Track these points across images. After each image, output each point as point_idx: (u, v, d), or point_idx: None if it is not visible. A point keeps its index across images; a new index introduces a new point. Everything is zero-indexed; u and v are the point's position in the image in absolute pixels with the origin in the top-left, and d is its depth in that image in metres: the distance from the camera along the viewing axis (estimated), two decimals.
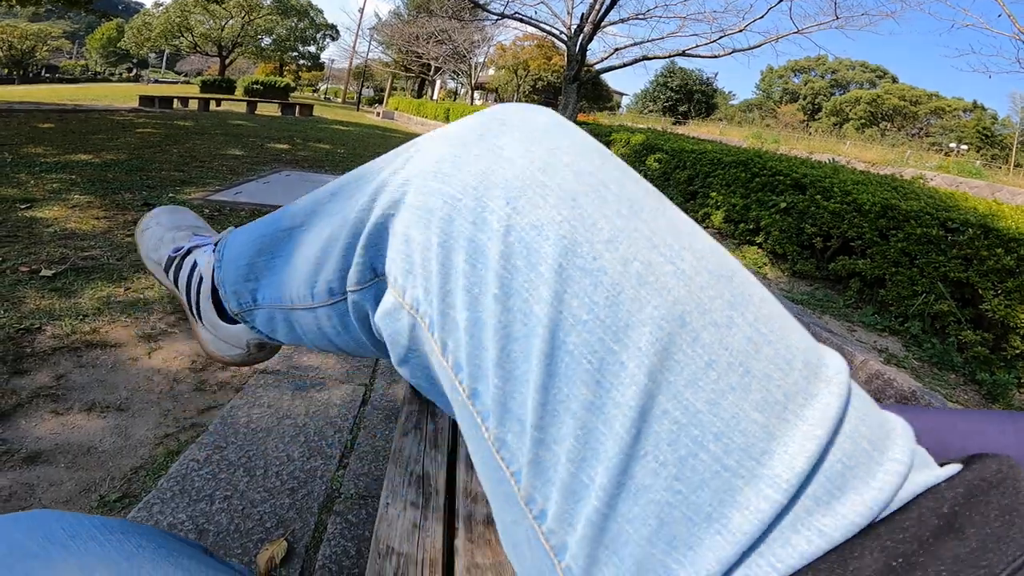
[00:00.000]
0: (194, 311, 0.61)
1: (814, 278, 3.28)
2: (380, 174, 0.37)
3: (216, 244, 0.58)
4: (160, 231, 0.67)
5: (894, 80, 44.34)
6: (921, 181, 4.00)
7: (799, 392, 0.27)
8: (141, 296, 2.39)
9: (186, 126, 8.34)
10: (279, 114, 14.57)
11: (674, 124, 27.17)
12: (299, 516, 1.37)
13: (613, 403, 0.27)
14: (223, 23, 28.63)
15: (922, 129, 39.72)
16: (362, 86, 35.29)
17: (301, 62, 42.76)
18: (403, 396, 1.03)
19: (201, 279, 0.59)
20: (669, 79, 40.83)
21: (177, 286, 0.64)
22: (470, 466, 0.87)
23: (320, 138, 9.49)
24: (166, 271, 0.65)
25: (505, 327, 0.29)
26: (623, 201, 0.29)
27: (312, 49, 40.66)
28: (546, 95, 28.20)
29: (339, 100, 39.05)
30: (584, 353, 0.28)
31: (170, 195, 3.90)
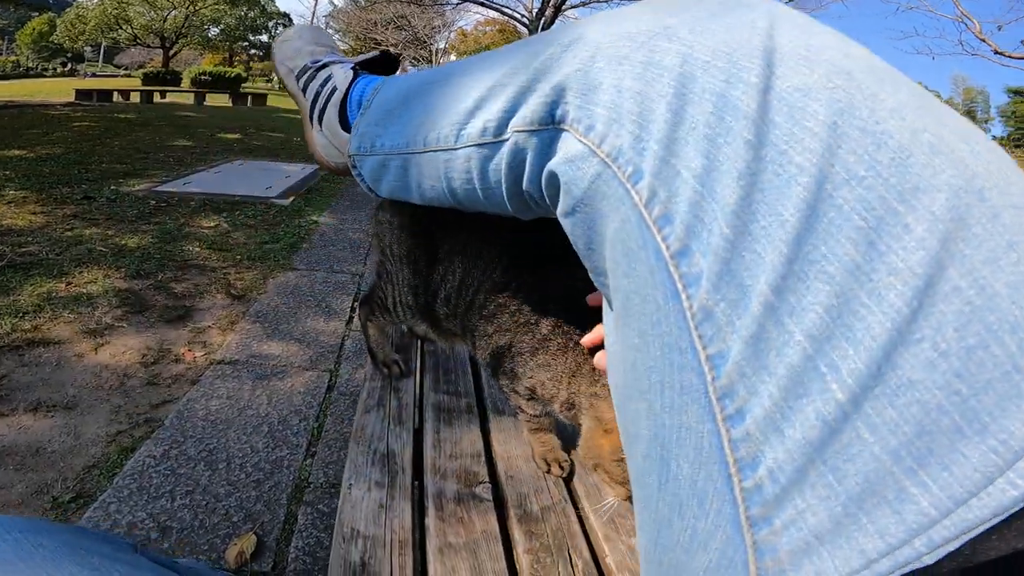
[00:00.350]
0: (316, 116, 0.70)
1: None
2: (575, 31, 0.35)
3: (355, 69, 0.69)
4: (301, 44, 0.78)
5: None
6: None
7: None
8: (84, 291, 2.26)
9: (128, 119, 7.94)
10: (230, 104, 14.04)
11: None
12: (267, 508, 1.33)
13: (888, 269, 0.23)
14: (165, 14, 27.10)
15: None
16: None
17: (252, 52, 41.21)
18: (365, 374, 1.00)
19: (335, 90, 0.68)
20: None
21: (304, 93, 0.73)
22: (438, 443, 0.85)
23: (275, 127, 9.24)
24: (298, 79, 0.75)
25: (753, 174, 0.26)
26: (903, 84, 0.27)
27: (264, 38, 39.22)
28: None
29: None
30: (857, 209, 0.24)
31: (112, 187, 3.70)
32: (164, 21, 27.52)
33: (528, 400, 0.77)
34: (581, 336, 0.68)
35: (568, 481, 0.82)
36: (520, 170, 0.39)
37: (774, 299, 0.25)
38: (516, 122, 0.37)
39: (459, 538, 0.70)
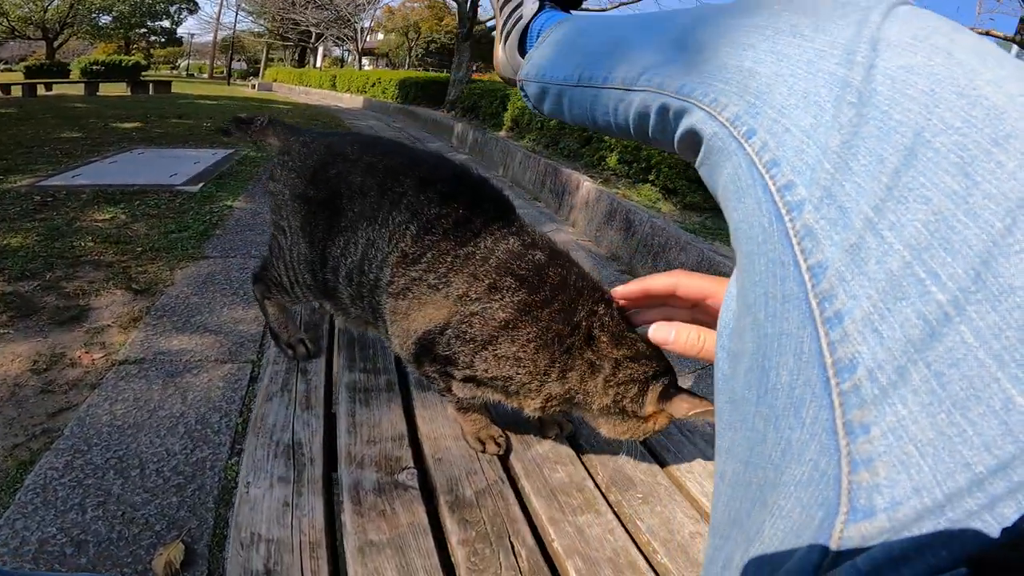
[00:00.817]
0: (503, 35, 0.78)
1: (703, 209, 3.48)
2: (725, 28, 0.42)
3: (541, 2, 0.76)
4: None
5: None
6: None
7: None
8: None
9: (7, 113, 7.05)
10: (129, 93, 12.87)
11: None
12: (193, 514, 1.19)
13: (983, 193, 0.25)
14: (46, 4, 24.22)
15: None
16: (231, 59, 31.95)
17: (153, 38, 37.76)
18: (267, 357, 0.89)
19: (520, 17, 0.77)
20: None
21: (500, 11, 0.81)
22: (353, 427, 0.76)
23: (181, 114, 8.48)
24: (500, 8, 0.82)
25: (855, 126, 0.30)
26: (1007, 62, 0.29)
27: (166, 24, 36.01)
28: (439, 57, 27.26)
29: (205, 76, 35.30)
30: (953, 150, 0.27)
31: None
32: (45, 12, 24.62)
33: (463, 382, 0.69)
34: (522, 304, 0.64)
35: (505, 459, 0.76)
36: (664, 124, 0.46)
37: (873, 216, 0.27)
38: (663, 86, 0.44)
39: (382, 534, 0.63)
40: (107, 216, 2.94)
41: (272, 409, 0.78)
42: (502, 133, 6.52)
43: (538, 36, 0.73)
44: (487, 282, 0.65)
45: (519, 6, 0.78)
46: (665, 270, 2.74)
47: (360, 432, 0.77)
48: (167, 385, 1.65)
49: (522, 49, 0.75)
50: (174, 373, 1.71)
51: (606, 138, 4.37)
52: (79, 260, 2.38)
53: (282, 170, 0.76)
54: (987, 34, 5.81)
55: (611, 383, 0.62)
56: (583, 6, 0.85)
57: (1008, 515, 0.20)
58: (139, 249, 2.55)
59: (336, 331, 0.98)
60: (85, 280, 2.22)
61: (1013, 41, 5.59)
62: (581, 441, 0.80)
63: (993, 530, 0.20)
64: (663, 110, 0.44)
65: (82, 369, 1.70)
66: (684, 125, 0.42)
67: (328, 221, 0.73)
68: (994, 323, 0.22)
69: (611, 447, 0.79)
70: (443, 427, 0.79)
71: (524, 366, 0.64)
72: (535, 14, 0.78)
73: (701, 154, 0.41)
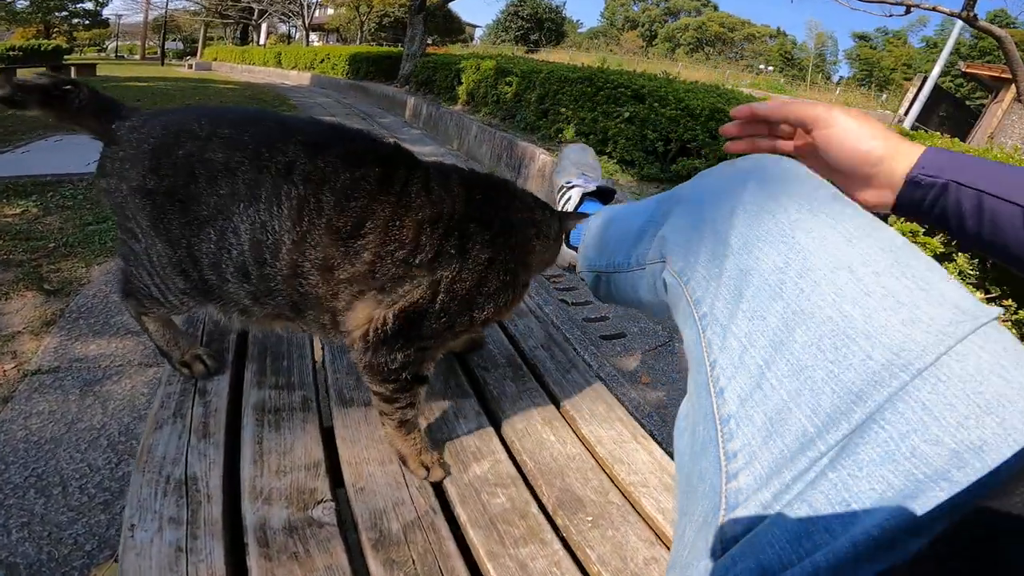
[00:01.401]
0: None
1: (660, 180, 3.43)
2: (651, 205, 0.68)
3: (584, 195, 0.96)
4: (567, 163, 1.05)
5: (715, 8, 48.82)
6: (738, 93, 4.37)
7: None
8: None
9: None
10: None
11: (527, 52, 26.93)
12: None
13: (755, 335, 0.46)
14: None
15: (738, 53, 44.60)
16: (164, 39, 29.88)
17: (75, 21, 34.92)
18: (161, 376, 0.76)
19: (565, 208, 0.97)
20: (520, 8, 40.35)
21: (557, 204, 0.97)
22: (260, 456, 0.65)
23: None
24: (558, 193, 1.02)
25: (745, 274, 0.48)
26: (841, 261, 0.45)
27: (89, 6, 33.28)
28: (394, 31, 26.17)
29: (137, 57, 33.06)
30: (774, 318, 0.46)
31: None
32: None
33: (414, 382, 0.65)
34: (494, 235, 0.64)
35: (437, 484, 0.66)
36: (653, 283, 0.62)
37: (732, 326, 0.48)
38: (649, 257, 0.63)
39: None
40: (16, 211, 2.65)
41: (162, 439, 0.65)
42: (457, 107, 6.29)
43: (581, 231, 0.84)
44: (459, 233, 0.62)
45: (567, 201, 0.97)
46: None
47: (268, 461, 0.65)
48: (85, 394, 1.50)
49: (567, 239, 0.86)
50: (92, 381, 1.55)
51: (562, 110, 4.24)
52: None
53: (112, 162, 0.63)
54: (934, 10, 5.86)
55: (545, 252, 0.72)
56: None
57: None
58: (52, 245, 2.31)
59: (246, 341, 0.85)
60: None
61: (959, 17, 5.64)
62: (524, 456, 0.71)
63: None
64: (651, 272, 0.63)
65: None
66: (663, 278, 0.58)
67: (185, 212, 0.62)
68: (782, 376, 0.44)
69: (558, 462, 0.70)
70: (367, 450, 0.69)
71: (504, 290, 0.64)
72: (577, 206, 0.95)
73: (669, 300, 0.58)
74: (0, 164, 3.42)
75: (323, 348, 0.85)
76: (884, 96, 23.96)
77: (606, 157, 3.83)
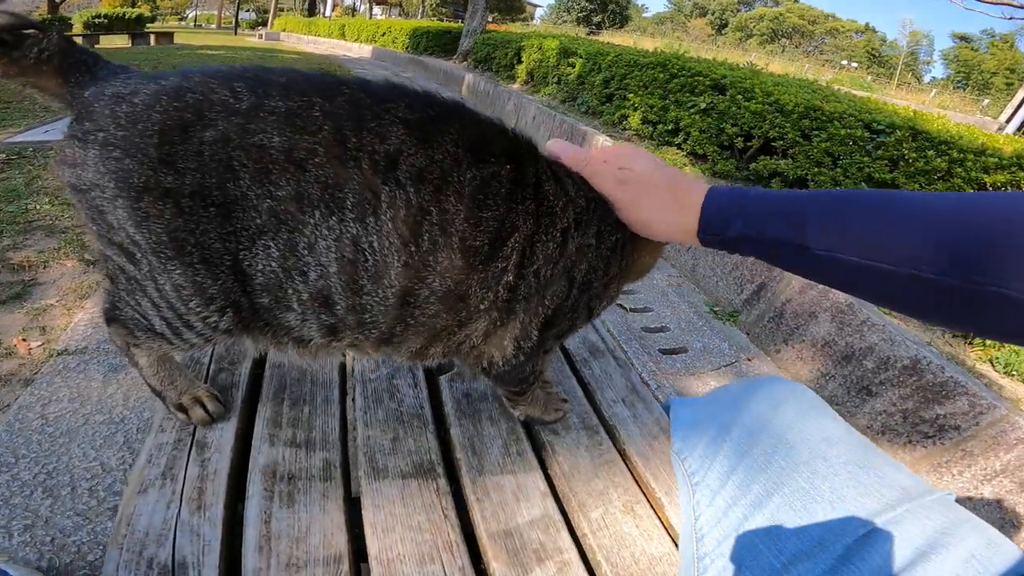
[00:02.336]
0: None
1: (734, 178, 3.13)
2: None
3: None
4: None
5: (795, 0, 46.09)
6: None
7: None
8: None
9: None
10: (129, 45, 12.35)
11: (588, 34, 26.14)
12: None
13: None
14: None
15: (817, 47, 42.03)
16: (238, 9, 30.67)
17: None
18: (153, 418, 0.61)
19: None
20: None
21: None
22: (267, 539, 0.49)
23: (177, 64, 7.97)
24: None
25: (740, 456, 0.60)
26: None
27: None
28: (455, 6, 25.92)
29: (213, 26, 34.19)
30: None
31: None
32: None
33: (539, 375, 0.64)
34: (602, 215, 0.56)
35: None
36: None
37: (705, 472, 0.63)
38: None
39: None
40: None
41: (146, 507, 0.50)
42: (516, 86, 6.05)
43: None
44: (587, 223, 0.53)
45: None
46: (689, 247, 2.37)
47: (277, 549, 0.49)
48: (108, 382, 1.41)
49: None
50: (118, 368, 1.46)
51: (629, 95, 3.94)
52: (31, 226, 2.11)
53: (84, 146, 0.45)
54: None
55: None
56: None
57: None
58: None
59: (266, 374, 0.69)
60: (35, 250, 1.95)
61: None
62: (600, 556, 0.53)
63: None
64: None
65: (17, 360, 1.46)
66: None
67: (225, 221, 0.45)
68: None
69: (641, 565, 0.53)
70: (402, 543, 0.52)
71: (619, 275, 0.59)
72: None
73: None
74: (64, 126, 3.46)
75: (354, 391, 0.69)
76: (986, 101, 21.88)
77: (675, 149, 3.54)
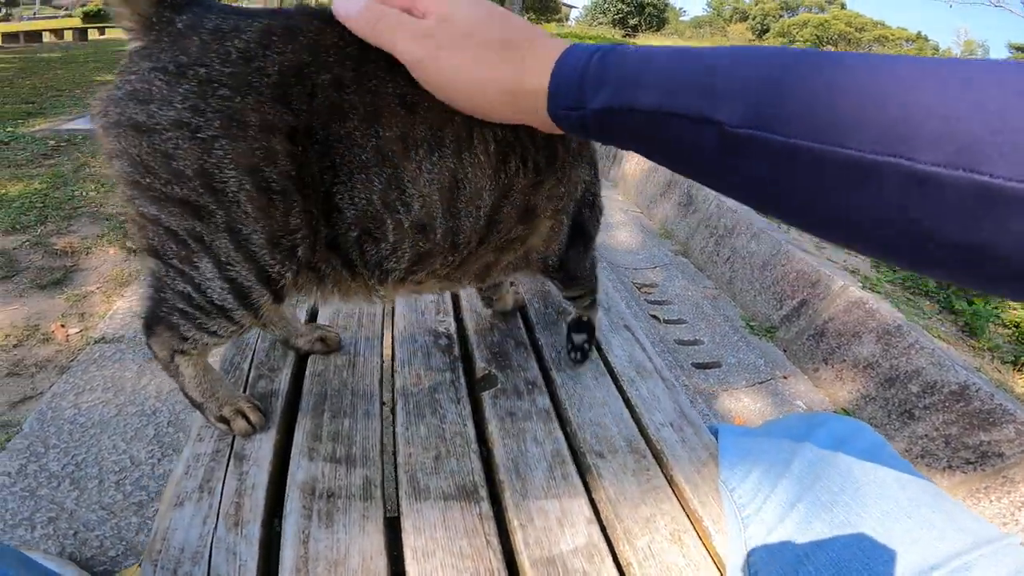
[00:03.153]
0: None
1: None
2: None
3: None
4: None
5: (843, 6, 44.90)
6: None
7: None
8: None
9: (51, 57, 6.94)
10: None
11: (624, 37, 25.88)
12: None
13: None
14: None
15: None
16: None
17: None
18: (193, 428, 0.59)
19: None
20: None
21: None
22: (305, 561, 0.47)
23: None
24: None
25: (802, 490, 0.56)
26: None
27: None
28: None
29: None
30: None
31: (7, 129, 3.08)
32: None
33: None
34: None
35: None
36: None
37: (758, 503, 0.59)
38: None
39: None
40: None
41: (182, 521, 0.49)
42: None
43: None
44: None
45: None
46: (728, 257, 2.30)
47: (314, 571, 0.47)
48: (142, 372, 1.43)
49: None
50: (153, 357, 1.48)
51: None
52: (77, 212, 2.16)
53: (186, 83, 0.42)
54: None
55: None
56: None
57: None
58: None
59: (305, 386, 0.67)
60: (78, 236, 2.00)
61: None
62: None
63: None
64: None
65: (55, 347, 1.49)
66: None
67: (326, 155, 0.46)
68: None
69: None
70: (443, 567, 0.49)
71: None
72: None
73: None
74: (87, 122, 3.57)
75: (394, 404, 0.66)
76: None
77: None
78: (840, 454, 0.57)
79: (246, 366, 0.68)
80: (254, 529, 0.49)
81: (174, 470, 0.54)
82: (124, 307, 1.67)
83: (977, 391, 1.50)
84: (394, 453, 0.60)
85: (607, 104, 0.35)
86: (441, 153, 0.48)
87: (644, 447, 0.66)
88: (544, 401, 0.68)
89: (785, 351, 2.07)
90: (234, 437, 0.57)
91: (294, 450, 0.57)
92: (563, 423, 0.67)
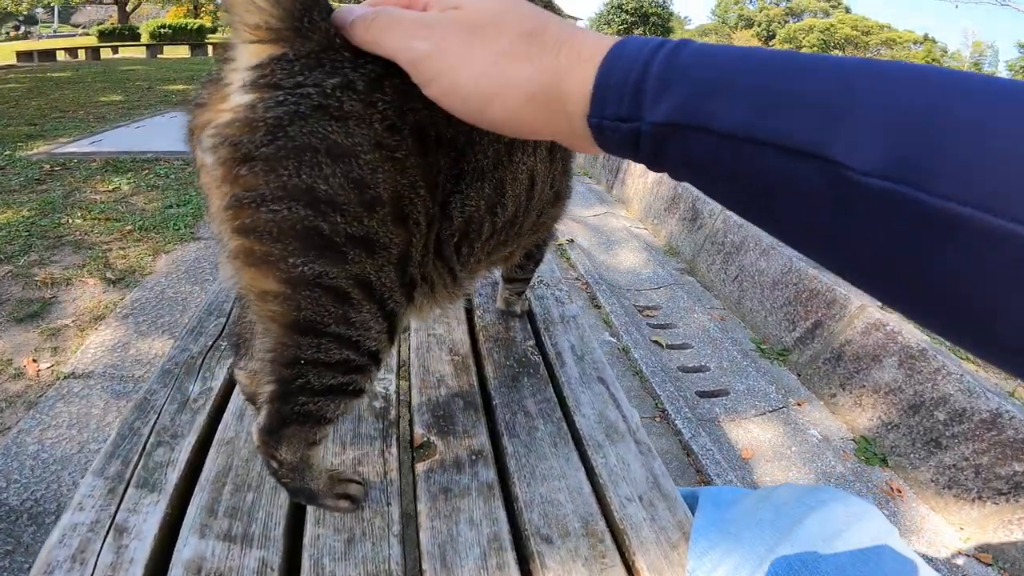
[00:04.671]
0: None
1: None
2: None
3: None
4: None
5: (847, 11, 44.77)
6: None
7: None
8: None
9: (60, 77, 7.15)
10: (188, 55, 13.06)
11: None
12: None
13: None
14: None
15: (872, 58, 40.90)
16: None
17: (220, 1, 38.76)
18: (76, 494, 0.51)
19: None
20: (624, 1, 39.32)
21: None
22: None
23: None
24: None
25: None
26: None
27: None
28: None
29: None
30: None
31: (5, 153, 3.10)
32: None
33: None
34: None
35: None
36: None
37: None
38: None
39: None
40: (110, 187, 2.70)
41: None
42: None
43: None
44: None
45: None
46: (736, 276, 2.18)
47: None
48: (108, 409, 1.36)
49: None
50: (120, 394, 1.41)
51: None
52: (61, 241, 2.13)
53: (378, 97, 0.35)
54: None
55: None
56: None
57: None
58: (128, 227, 2.27)
59: (209, 456, 0.58)
60: (60, 266, 1.96)
61: None
62: None
63: None
64: None
65: (25, 382, 1.44)
66: None
67: (458, 161, 0.43)
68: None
69: None
70: None
71: None
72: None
73: None
74: (112, 138, 3.59)
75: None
76: None
77: None
78: (830, 552, 0.46)
79: (146, 431, 0.59)
80: None
81: (48, 538, 0.46)
82: (97, 341, 1.61)
83: (1011, 419, 1.39)
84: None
85: (672, 117, 0.26)
86: (524, 151, 0.50)
87: (603, 528, 0.55)
88: (488, 474, 0.58)
89: (799, 376, 1.93)
90: (119, 507, 0.49)
91: (184, 525, 0.48)
92: (508, 500, 0.56)
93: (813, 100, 0.22)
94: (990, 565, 1.32)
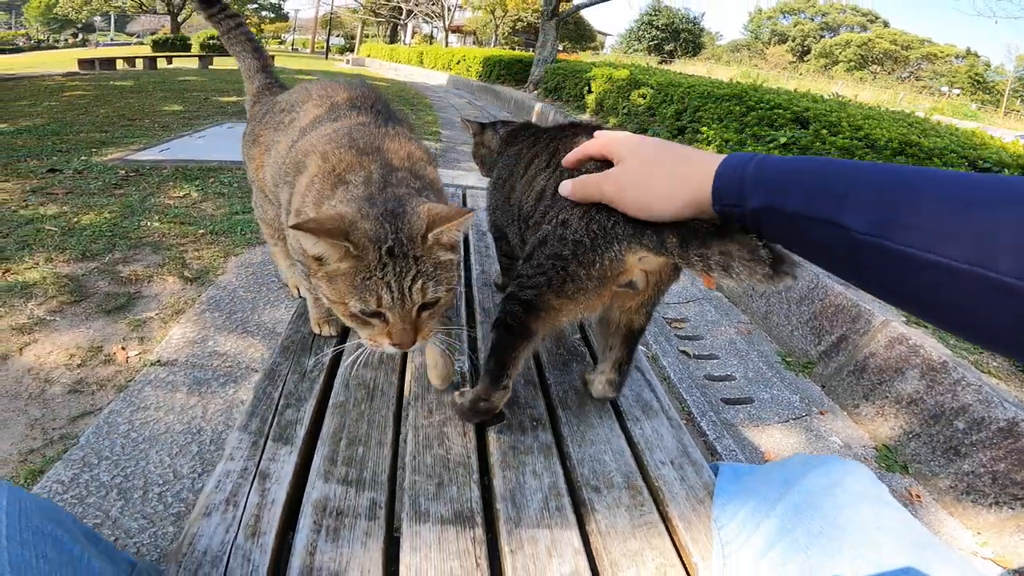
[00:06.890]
0: None
1: None
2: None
3: None
4: None
5: (885, 25, 43.66)
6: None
7: None
8: (21, 279, 1.96)
9: (123, 86, 7.59)
10: (236, 67, 13.67)
11: (660, 63, 25.99)
12: None
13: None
14: None
15: (912, 73, 39.37)
16: (330, 35, 33.37)
17: (263, 14, 40.37)
18: (226, 446, 0.66)
19: None
20: (654, 17, 39.26)
21: None
22: (309, 573, 0.52)
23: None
24: None
25: (781, 532, 0.57)
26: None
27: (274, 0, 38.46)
28: (526, 35, 26.81)
29: (308, 50, 37.42)
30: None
31: (82, 158, 3.39)
32: None
33: None
34: None
35: None
36: None
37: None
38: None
39: None
40: (181, 193, 2.94)
41: (208, 529, 0.55)
42: (585, 116, 6.11)
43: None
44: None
45: None
46: (763, 291, 2.24)
47: None
48: (191, 393, 1.54)
49: None
50: (201, 381, 1.59)
51: (702, 129, 3.87)
52: (141, 242, 2.36)
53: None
54: None
55: None
56: None
57: None
58: (200, 231, 2.50)
59: (328, 413, 0.73)
60: (142, 264, 2.18)
61: None
62: None
63: None
64: None
65: (115, 367, 1.62)
66: None
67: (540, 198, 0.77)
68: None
69: None
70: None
71: None
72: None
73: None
74: (178, 147, 3.87)
75: (406, 436, 0.71)
76: None
77: None
78: (829, 497, 0.56)
79: (276, 395, 0.75)
80: (268, 539, 0.55)
81: (206, 484, 0.61)
82: (179, 333, 1.80)
83: None
84: (401, 479, 0.64)
85: (762, 204, 0.44)
86: (551, 173, 0.76)
87: (641, 484, 0.68)
88: (546, 437, 0.71)
89: (823, 387, 2.00)
90: (261, 457, 0.63)
91: (311, 472, 0.62)
92: (563, 458, 0.69)
93: (834, 192, 0.40)
94: (1007, 569, 1.38)
